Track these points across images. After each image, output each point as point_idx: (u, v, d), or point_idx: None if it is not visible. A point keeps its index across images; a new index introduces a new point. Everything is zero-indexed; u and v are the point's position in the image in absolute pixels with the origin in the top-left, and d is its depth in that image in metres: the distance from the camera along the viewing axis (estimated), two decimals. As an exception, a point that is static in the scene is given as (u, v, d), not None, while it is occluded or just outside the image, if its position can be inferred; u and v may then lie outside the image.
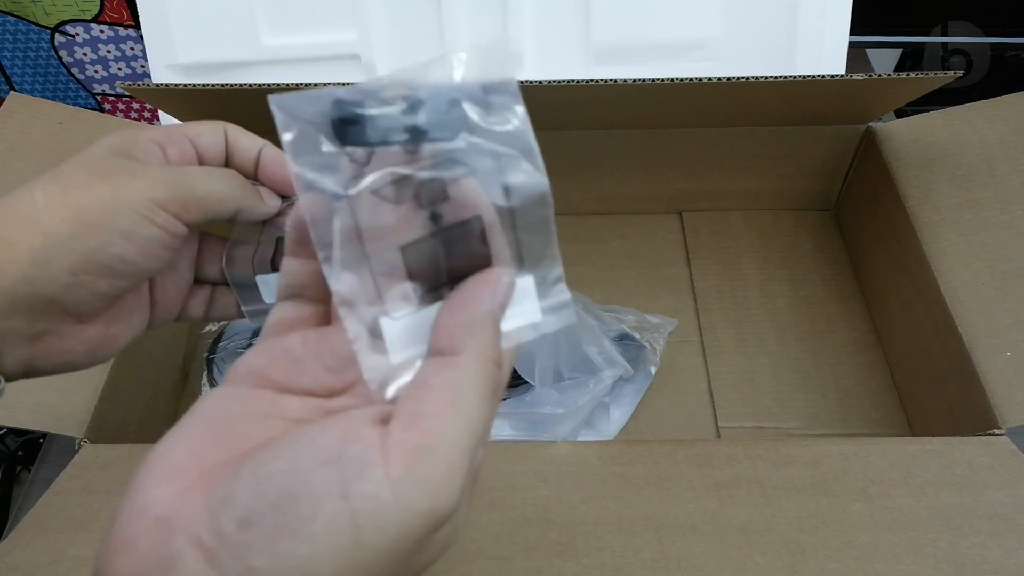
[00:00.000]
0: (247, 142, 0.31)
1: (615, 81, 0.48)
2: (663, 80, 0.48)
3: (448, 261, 0.20)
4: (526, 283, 0.21)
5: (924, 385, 0.53)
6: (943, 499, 0.39)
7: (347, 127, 0.19)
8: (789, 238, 0.67)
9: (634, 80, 0.48)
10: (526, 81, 0.49)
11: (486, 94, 0.20)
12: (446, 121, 0.19)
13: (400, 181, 0.19)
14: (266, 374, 0.21)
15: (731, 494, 0.40)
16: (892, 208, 0.57)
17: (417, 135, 0.19)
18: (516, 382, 0.54)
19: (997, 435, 0.44)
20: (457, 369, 0.19)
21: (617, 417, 0.55)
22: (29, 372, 0.27)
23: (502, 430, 0.52)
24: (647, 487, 0.40)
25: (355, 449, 0.17)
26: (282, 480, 0.17)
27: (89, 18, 0.80)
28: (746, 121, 0.61)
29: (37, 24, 0.81)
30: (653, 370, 0.56)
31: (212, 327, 0.61)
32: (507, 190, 0.20)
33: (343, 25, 0.64)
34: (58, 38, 0.82)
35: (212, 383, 0.57)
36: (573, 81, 0.48)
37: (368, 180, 0.19)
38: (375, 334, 0.20)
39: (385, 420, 0.18)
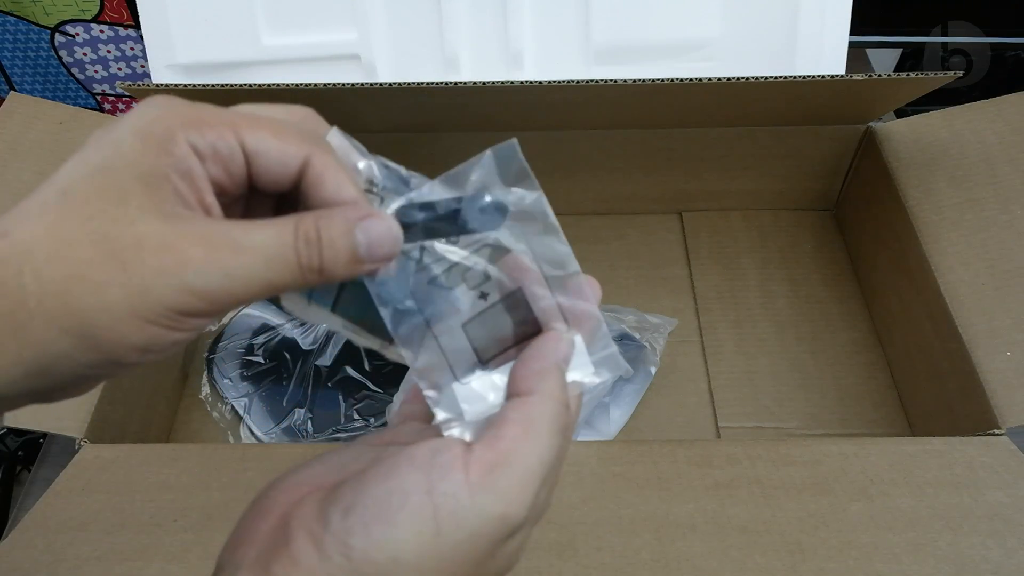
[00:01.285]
0: (334, 186, 0.22)
1: (615, 81, 0.48)
2: (663, 80, 0.48)
3: (503, 330, 0.24)
4: (577, 341, 0.24)
5: (924, 385, 0.53)
6: (943, 499, 0.39)
7: (406, 231, 0.23)
8: (789, 238, 0.67)
9: (634, 80, 0.48)
10: (526, 81, 0.49)
11: (508, 186, 0.24)
12: (483, 218, 0.24)
13: (449, 269, 0.23)
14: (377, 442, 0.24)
15: (731, 494, 0.40)
16: (892, 208, 0.57)
17: (459, 229, 0.24)
18: None
19: (997, 435, 0.44)
20: (531, 405, 0.22)
21: (617, 417, 0.55)
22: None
23: None
24: (647, 487, 0.40)
25: (442, 458, 0.20)
26: (381, 480, 0.20)
27: (89, 18, 0.80)
28: (746, 121, 0.61)
29: (37, 24, 0.81)
30: (653, 370, 0.56)
31: (212, 327, 0.61)
32: (540, 264, 0.24)
33: (343, 25, 0.64)
34: (58, 38, 0.82)
35: (212, 383, 0.57)
36: (573, 81, 0.48)
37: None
38: (450, 400, 0.23)
39: (470, 446, 0.21)
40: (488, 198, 0.24)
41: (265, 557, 0.20)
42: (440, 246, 0.23)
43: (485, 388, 0.23)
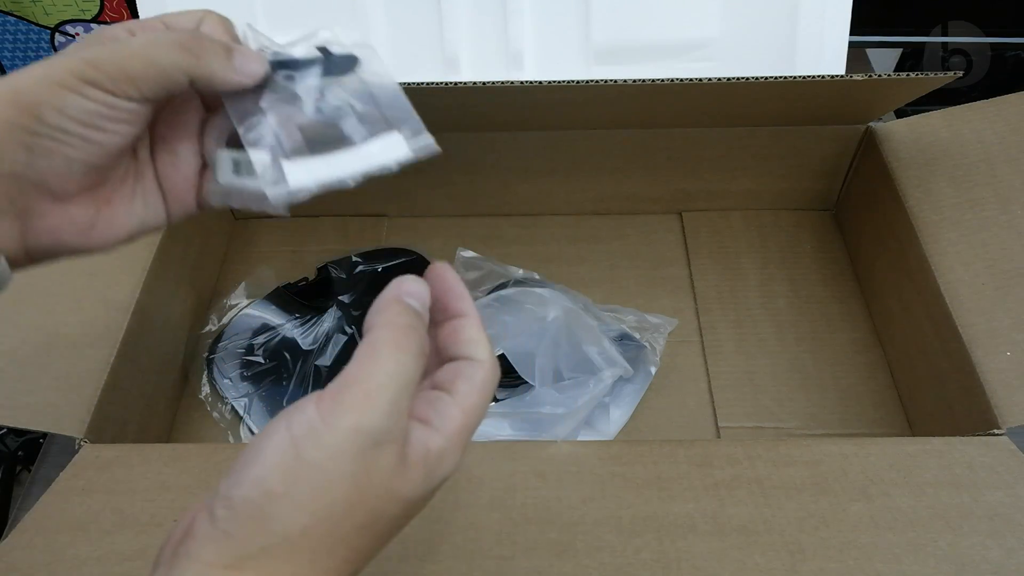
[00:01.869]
0: (216, 25, 0.30)
1: (615, 81, 0.48)
2: (663, 80, 0.48)
3: (330, 133, 0.30)
4: (396, 137, 0.32)
5: (924, 385, 0.53)
6: (943, 499, 0.39)
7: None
8: (789, 238, 0.67)
9: (634, 80, 0.48)
10: (526, 81, 0.49)
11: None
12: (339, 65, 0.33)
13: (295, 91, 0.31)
14: None
15: (731, 494, 0.40)
16: (892, 208, 0.57)
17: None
18: (516, 382, 0.54)
19: (997, 435, 0.44)
20: (372, 336, 0.24)
21: (617, 417, 0.55)
22: (30, 254, 0.28)
23: (502, 430, 0.52)
24: (647, 487, 0.40)
25: (301, 403, 0.23)
26: (255, 441, 0.22)
27: (89, 18, 0.80)
28: (746, 121, 0.61)
29: (37, 24, 0.81)
30: (653, 370, 0.56)
31: (212, 327, 0.61)
32: (372, 95, 0.32)
33: (343, 25, 0.64)
34: (58, 38, 0.82)
35: (212, 383, 0.57)
36: (573, 81, 0.48)
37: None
38: (277, 171, 0.29)
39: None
40: (343, 51, 0.33)
41: (174, 546, 0.22)
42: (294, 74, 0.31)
43: (308, 167, 0.29)
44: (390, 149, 0.32)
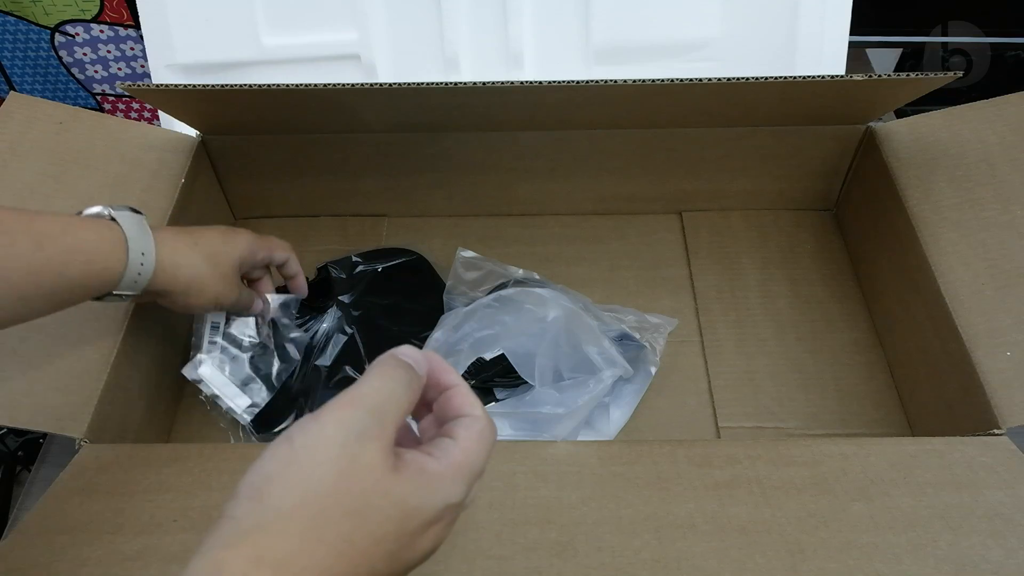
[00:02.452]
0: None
1: (615, 81, 0.48)
2: (663, 80, 0.48)
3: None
4: (272, 298, 0.57)
5: (924, 385, 0.53)
6: (943, 499, 0.39)
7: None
8: (789, 238, 0.67)
9: (634, 80, 0.48)
10: (526, 82, 0.49)
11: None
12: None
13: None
14: None
15: (731, 494, 0.40)
16: (892, 208, 0.57)
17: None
18: (516, 382, 0.54)
19: (997, 435, 0.44)
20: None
21: (617, 417, 0.55)
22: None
23: (502, 430, 0.52)
24: (647, 487, 0.40)
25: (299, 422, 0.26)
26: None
27: (89, 18, 0.80)
28: (746, 121, 0.61)
29: (37, 24, 0.81)
30: (653, 370, 0.56)
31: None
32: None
33: (343, 25, 0.64)
34: (58, 38, 0.82)
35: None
36: (573, 81, 0.48)
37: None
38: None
39: None
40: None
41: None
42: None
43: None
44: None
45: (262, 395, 0.56)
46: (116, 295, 0.42)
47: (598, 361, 0.53)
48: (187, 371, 0.55)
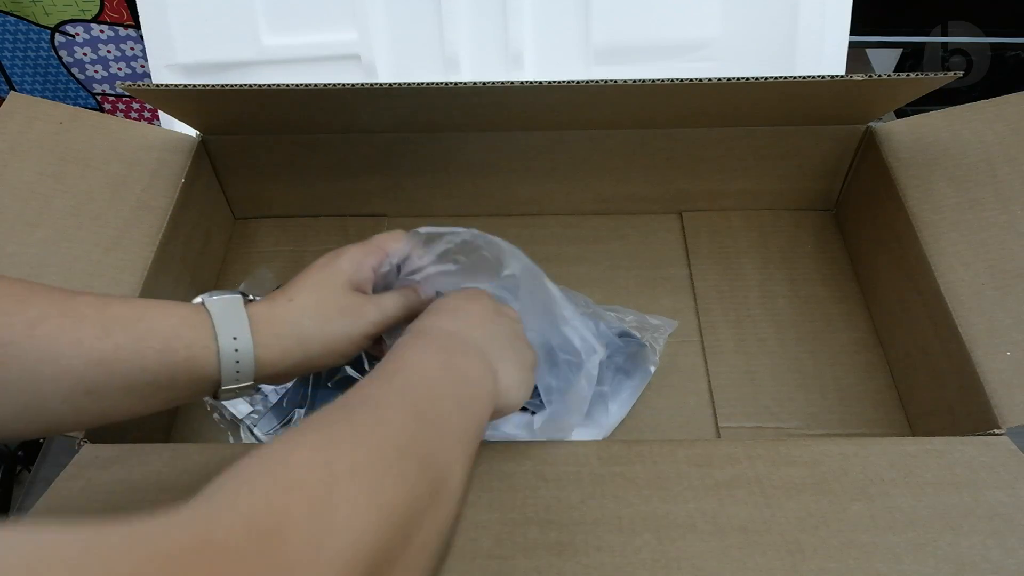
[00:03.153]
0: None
1: (615, 81, 0.48)
2: (663, 80, 0.48)
3: None
4: None
5: (924, 385, 0.53)
6: (943, 499, 0.39)
7: None
8: (789, 238, 0.67)
9: (634, 80, 0.48)
10: (526, 82, 0.49)
11: None
12: None
13: None
14: None
15: (731, 494, 0.40)
16: (892, 208, 0.57)
17: None
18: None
19: (997, 435, 0.44)
20: None
21: (615, 411, 0.55)
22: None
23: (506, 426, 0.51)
24: (647, 487, 0.40)
25: None
26: None
27: (89, 18, 0.80)
28: (746, 121, 0.61)
29: (37, 24, 0.81)
30: (652, 369, 0.56)
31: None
32: None
33: (343, 25, 0.64)
34: (58, 38, 0.82)
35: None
36: (573, 81, 0.48)
37: None
38: None
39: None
40: None
41: None
42: None
43: None
44: None
45: (263, 402, 0.56)
46: (228, 390, 0.36)
47: (579, 346, 0.50)
48: None
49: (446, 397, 0.33)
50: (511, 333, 0.41)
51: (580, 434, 0.54)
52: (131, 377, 0.33)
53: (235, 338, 0.35)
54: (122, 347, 0.33)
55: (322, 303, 0.39)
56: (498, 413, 0.38)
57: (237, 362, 0.35)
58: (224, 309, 0.36)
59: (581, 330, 0.50)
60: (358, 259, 0.42)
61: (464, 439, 0.32)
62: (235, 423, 0.56)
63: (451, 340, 0.37)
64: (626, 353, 0.55)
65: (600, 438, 0.54)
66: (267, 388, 0.56)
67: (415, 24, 0.64)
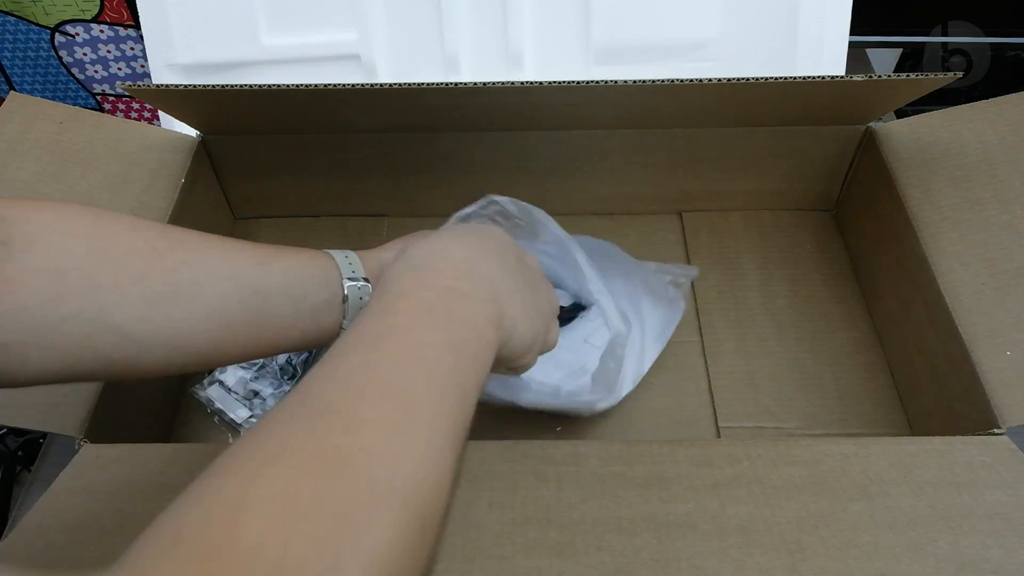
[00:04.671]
0: None
1: (615, 81, 0.48)
2: (663, 80, 0.48)
3: None
4: None
5: (924, 385, 0.53)
6: (943, 499, 0.39)
7: None
8: (789, 238, 0.67)
9: (634, 80, 0.48)
10: (526, 82, 0.49)
11: None
12: None
13: None
14: None
15: (731, 494, 0.40)
16: (892, 208, 0.57)
17: None
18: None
19: (997, 435, 0.44)
20: None
21: (651, 351, 0.57)
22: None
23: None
24: (647, 487, 0.40)
25: None
26: None
27: (89, 18, 0.80)
28: (746, 121, 0.61)
29: (37, 24, 0.81)
30: (683, 305, 0.59)
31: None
32: None
33: (343, 25, 0.64)
34: (58, 38, 0.82)
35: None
36: (573, 81, 0.48)
37: None
38: None
39: None
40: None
41: None
42: None
43: None
44: None
45: (263, 407, 0.56)
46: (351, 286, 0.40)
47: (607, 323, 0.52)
48: (196, 391, 0.56)
49: (435, 380, 0.28)
50: (527, 273, 0.39)
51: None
52: (285, 309, 0.38)
53: (349, 261, 0.42)
54: (275, 276, 0.38)
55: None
56: (503, 364, 0.36)
57: (347, 256, 0.42)
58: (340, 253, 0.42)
59: (607, 308, 0.51)
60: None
61: (455, 430, 0.28)
62: (234, 426, 0.56)
63: (449, 294, 0.32)
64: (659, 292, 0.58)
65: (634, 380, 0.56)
66: (266, 392, 0.56)
67: (415, 24, 0.64)
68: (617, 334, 0.50)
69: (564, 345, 0.53)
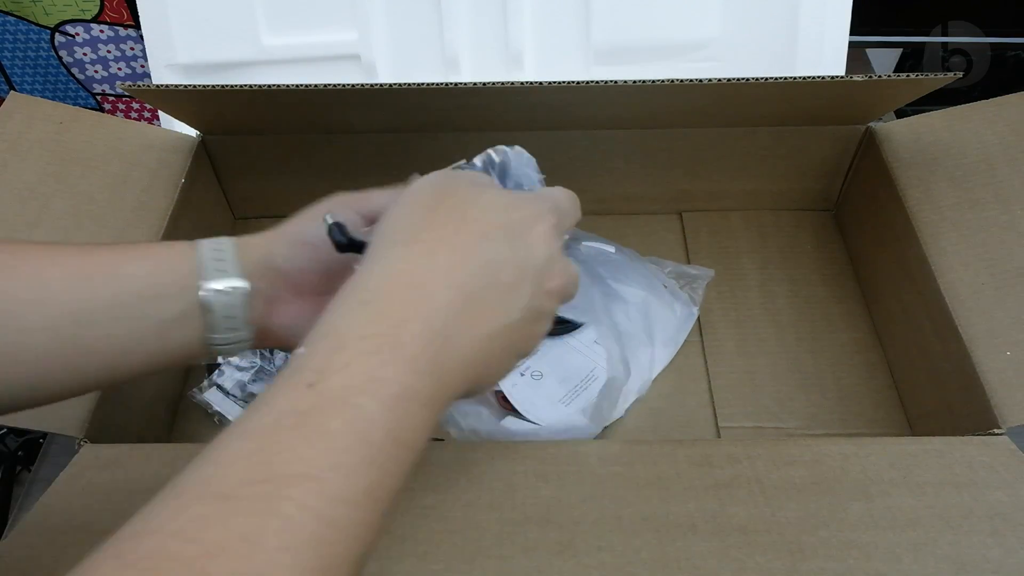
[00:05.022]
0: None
1: (615, 81, 0.48)
2: (663, 80, 0.48)
3: None
4: None
5: (924, 385, 0.53)
6: (943, 499, 0.39)
7: None
8: (789, 238, 0.67)
9: (634, 80, 0.48)
10: (526, 82, 0.49)
11: None
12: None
13: None
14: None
15: (731, 494, 0.40)
16: (892, 208, 0.57)
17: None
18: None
19: (997, 435, 0.44)
20: None
21: (662, 356, 0.58)
22: (265, 333, 0.35)
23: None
24: (647, 487, 0.40)
25: None
26: None
27: (89, 18, 0.80)
28: (746, 121, 0.61)
29: (37, 24, 0.81)
30: (695, 310, 0.60)
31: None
32: None
33: (343, 25, 0.64)
34: (58, 38, 0.82)
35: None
36: (573, 81, 0.48)
37: None
38: None
39: None
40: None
41: None
42: None
43: None
44: None
45: None
46: (224, 338, 0.33)
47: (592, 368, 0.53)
48: (194, 395, 0.56)
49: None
50: (535, 306, 0.29)
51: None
52: (118, 293, 0.31)
53: (217, 246, 0.34)
54: (103, 262, 0.32)
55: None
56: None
57: (218, 250, 0.33)
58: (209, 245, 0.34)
59: (611, 353, 0.52)
60: (341, 199, 0.37)
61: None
62: (235, 423, 0.56)
63: (398, 407, 0.23)
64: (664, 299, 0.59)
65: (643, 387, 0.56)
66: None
67: (415, 24, 0.64)
68: (614, 379, 0.52)
69: (556, 353, 0.54)
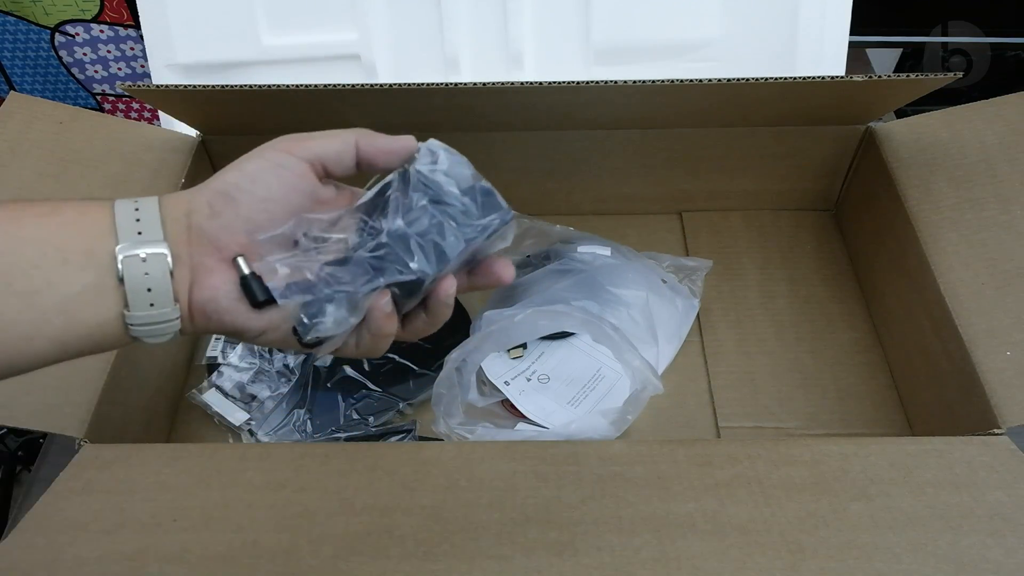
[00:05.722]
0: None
1: (615, 81, 0.48)
2: (663, 80, 0.48)
3: None
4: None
5: (924, 385, 0.53)
6: (943, 499, 0.39)
7: None
8: (789, 238, 0.67)
9: (634, 80, 0.48)
10: (526, 82, 0.49)
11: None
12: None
13: None
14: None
15: (731, 494, 0.40)
16: (892, 208, 0.57)
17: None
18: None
19: (997, 435, 0.44)
20: None
21: (667, 352, 0.59)
22: (192, 304, 0.29)
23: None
24: (647, 487, 0.40)
25: None
26: None
27: (89, 18, 0.80)
28: (746, 121, 0.61)
29: (37, 24, 0.81)
30: (697, 302, 0.61)
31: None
32: None
33: (343, 25, 0.64)
34: (58, 38, 0.82)
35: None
36: (573, 81, 0.48)
37: None
38: None
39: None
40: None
41: None
42: None
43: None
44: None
45: (261, 410, 0.56)
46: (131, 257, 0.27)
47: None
48: (193, 396, 0.56)
49: None
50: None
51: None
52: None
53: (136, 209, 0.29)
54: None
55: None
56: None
57: (137, 209, 0.29)
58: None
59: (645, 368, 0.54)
60: (284, 144, 0.35)
61: None
62: (233, 428, 0.56)
63: None
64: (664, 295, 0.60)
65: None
66: (263, 394, 0.56)
67: (415, 24, 0.64)
68: (650, 386, 0.51)
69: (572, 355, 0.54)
